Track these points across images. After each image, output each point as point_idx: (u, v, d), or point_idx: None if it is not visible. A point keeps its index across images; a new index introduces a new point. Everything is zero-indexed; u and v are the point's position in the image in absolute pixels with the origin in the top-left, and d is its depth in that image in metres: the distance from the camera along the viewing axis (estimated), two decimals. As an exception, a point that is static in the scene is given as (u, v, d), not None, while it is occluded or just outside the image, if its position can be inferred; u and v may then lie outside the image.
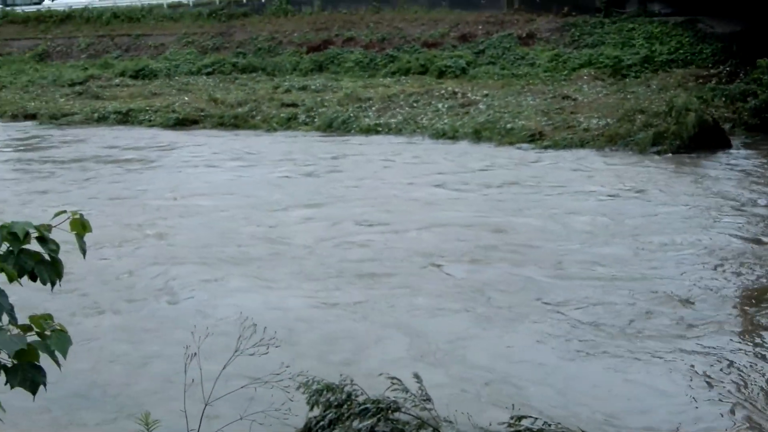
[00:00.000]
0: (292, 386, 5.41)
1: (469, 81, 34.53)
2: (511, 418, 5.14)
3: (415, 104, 29.04)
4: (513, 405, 5.40)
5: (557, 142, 22.24)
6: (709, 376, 8.38)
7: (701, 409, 7.76)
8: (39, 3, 59.57)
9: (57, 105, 35.52)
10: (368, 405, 5.15)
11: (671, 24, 35.74)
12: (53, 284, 2.75)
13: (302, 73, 40.54)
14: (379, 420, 5.02)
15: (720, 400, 7.92)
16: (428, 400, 5.17)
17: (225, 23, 48.29)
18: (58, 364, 2.63)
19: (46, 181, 21.33)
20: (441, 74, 36.65)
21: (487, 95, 29.42)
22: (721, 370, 8.53)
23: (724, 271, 11.73)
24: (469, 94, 29.64)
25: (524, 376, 8.58)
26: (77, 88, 40.03)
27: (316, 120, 28.18)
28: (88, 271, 11.53)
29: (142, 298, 11.48)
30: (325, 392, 5.44)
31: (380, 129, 26.25)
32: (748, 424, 7.44)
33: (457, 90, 30.46)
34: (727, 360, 8.72)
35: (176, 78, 41.98)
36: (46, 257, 2.73)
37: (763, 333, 9.49)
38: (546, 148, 22.02)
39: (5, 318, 2.57)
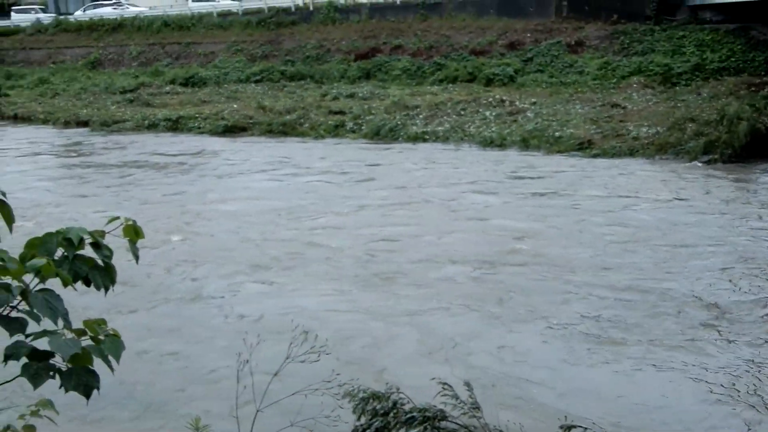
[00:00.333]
0: (339, 394, 5.41)
1: (517, 89, 34.40)
2: (561, 427, 5.09)
3: (462, 112, 28.98)
4: (565, 417, 5.32)
5: (606, 151, 22.07)
6: (725, 385, 8.30)
7: (714, 417, 7.72)
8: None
9: (108, 112, 36.02)
10: (415, 413, 5.13)
11: (722, 31, 35.29)
12: (106, 289, 2.79)
13: (350, 81, 40.67)
14: (425, 429, 4.99)
15: (734, 408, 7.84)
16: (477, 408, 5.13)
17: (274, 31, 48.63)
18: (112, 369, 2.66)
19: (84, 185, 21.70)
20: (489, 82, 36.57)
21: (535, 103, 29.28)
22: (738, 378, 8.44)
23: (751, 280, 11.57)
24: (517, 102, 29.51)
25: (531, 378, 8.62)
26: (128, 95, 40.57)
27: (363, 128, 28.24)
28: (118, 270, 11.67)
29: (169, 298, 11.64)
30: (371, 400, 5.43)
31: (427, 137, 26.24)
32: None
33: (504, 98, 30.34)
34: (746, 369, 8.64)
35: (225, 86, 42.36)
36: (100, 263, 2.77)
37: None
38: (595, 156, 21.87)
39: (60, 322, 2.61)
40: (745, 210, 15.78)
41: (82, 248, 2.72)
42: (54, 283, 2.64)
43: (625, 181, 18.79)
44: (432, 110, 29.46)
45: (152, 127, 32.31)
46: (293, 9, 49.97)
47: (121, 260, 3.18)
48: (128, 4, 62.22)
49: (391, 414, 5.23)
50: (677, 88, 31.37)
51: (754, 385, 8.25)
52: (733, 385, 8.24)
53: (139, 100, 38.99)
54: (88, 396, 2.63)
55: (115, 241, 2.91)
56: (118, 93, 41.71)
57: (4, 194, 2.51)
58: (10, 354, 2.58)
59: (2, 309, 2.57)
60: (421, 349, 9.50)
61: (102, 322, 2.72)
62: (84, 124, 34.62)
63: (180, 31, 52.44)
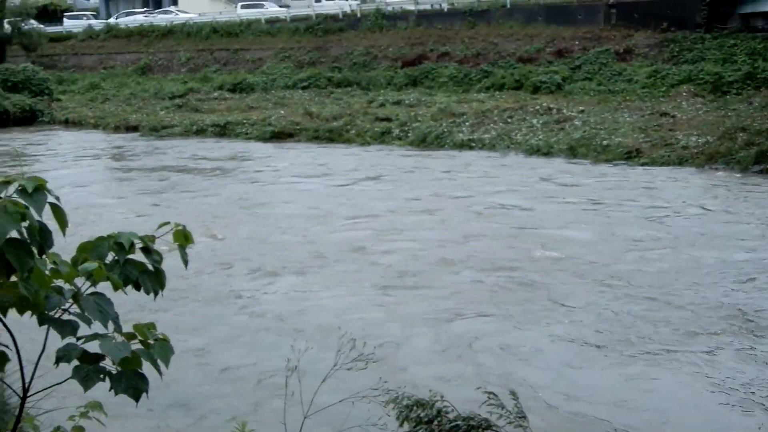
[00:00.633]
0: (384, 401, 5.40)
1: (564, 97, 34.25)
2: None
3: (509, 120, 28.89)
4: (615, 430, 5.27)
5: (655, 160, 21.85)
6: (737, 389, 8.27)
7: (730, 422, 7.69)
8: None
9: (157, 117, 36.47)
10: (459, 422, 5.09)
11: (775, 40, 34.85)
12: (156, 294, 2.81)
13: (396, 88, 40.78)
14: (470, 437, 4.96)
15: (751, 413, 7.78)
16: (524, 417, 5.09)
17: (321, 38, 48.90)
18: (160, 373, 2.68)
19: (126, 188, 22.14)
20: (536, 90, 36.44)
21: (582, 111, 29.11)
22: (750, 385, 8.38)
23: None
24: (564, 110, 29.36)
25: (538, 378, 8.67)
26: (177, 101, 41.07)
27: (409, 135, 28.26)
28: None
29: (195, 298, 11.77)
30: (414, 408, 5.41)
31: (473, 144, 26.18)
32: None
33: (552, 106, 30.21)
34: (757, 376, 8.58)
35: (273, 92, 42.69)
36: (150, 267, 2.79)
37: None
38: (643, 165, 21.66)
39: (111, 325, 2.64)
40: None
41: (133, 252, 2.74)
42: (104, 287, 2.67)
43: (670, 190, 18.60)
44: (478, 118, 29.42)
45: (200, 132, 32.65)
46: (341, 16, 50.22)
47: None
48: (178, 11, 62.96)
49: (435, 422, 5.21)
50: (728, 97, 30.99)
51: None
52: (751, 392, 8.17)
53: (187, 106, 39.44)
54: (137, 399, 2.66)
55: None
56: (167, 98, 42.26)
57: (57, 199, 2.54)
58: (62, 356, 2.61)
59: (54, 312, 2.61)
60: (441, 351, 9.56)
61: (151, 326, 2.74)
62: (133, 129, 35.08)
63: (228, 38, 52.95)
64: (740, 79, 32.55)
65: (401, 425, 5.33)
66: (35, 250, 2.47)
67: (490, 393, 5.13)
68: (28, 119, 40.07)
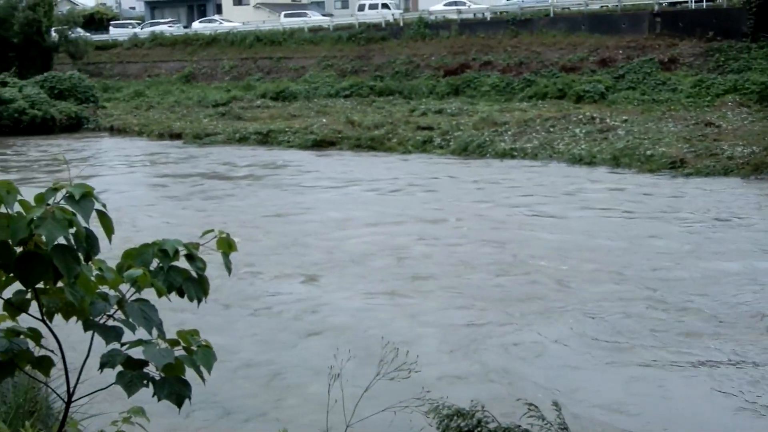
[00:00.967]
0: (423, 408, 5.39)
1: (607, 106, 34.04)
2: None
3: (551, 129, 28.73)
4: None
5: (699, 170, 21.57)
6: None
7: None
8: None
9: (201, 125, 36.73)
10: (499, 433, 5.07)
11: (824, 49, 34.35)
12: (199, 300, 2.82)
13: (438, 97, 40.76)
14: (510, 449, 4.93)
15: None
16: (565, 429, 5.04)
17: (364, 47, 49.03)
18: (203, 379, 2.70)
19: (154, 192, 22.63)
20: (579, 99, 36.23)
21: (626, 121, 28.87)
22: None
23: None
24: (607, 120, 29.15)
25: (545, 378, 8.76)
26: (220, 109, 41.35)
27: (451, 143, 28.20)
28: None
29: (216, 299, 11.91)
30: (455, 417, 5.38)
31: (515, 153, 26.06)
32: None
33: (595, 115, 30.01)
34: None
35: (315, 100, 42.85)
36: (194, 274, 2.81)
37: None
38: (687, 175, 21.40)
39: (154, 332, 2.65)
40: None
41: (177, 260, 2.76)
42: (148, 293, 2.69)
43: (714, 201, 18.38)
44: (521, 127, 29.30)
45: (243, 140, 32.82)
46: (384, 25, 50.32)
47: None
48: (222, 20, 63.54)
49: (476, 432, 5.18)
50: (774, 106, 30.58)
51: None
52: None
53: (230, 114, 39.67)
54: (180, 405, 2.67)
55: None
56: (210, 106, 42.59)
57: (104, 206, 2.57)
58: (106, 362, 2.63)
59: (99, 317, 2.63)
60: (420, 339, 9.72)
61: (195, 333, 2.75)
62: (177, 136, 35.37)
63: (272, 46, 53.26)
64: (787, 88, 32.13)
65: (441, 435, 5.31)
66: (82, 257, 2.49)
67: (530, 404, 5.10)
68: (73, 126, 40.59)
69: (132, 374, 2.63)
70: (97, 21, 71.68)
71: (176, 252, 2.74)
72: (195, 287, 2.79)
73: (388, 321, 10.74)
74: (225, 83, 50.44)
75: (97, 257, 2.58)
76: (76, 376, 2.77)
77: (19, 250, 2.43)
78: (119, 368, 2.65)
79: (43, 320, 2.64)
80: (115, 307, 2.65)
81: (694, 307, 10.94)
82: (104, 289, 2.64)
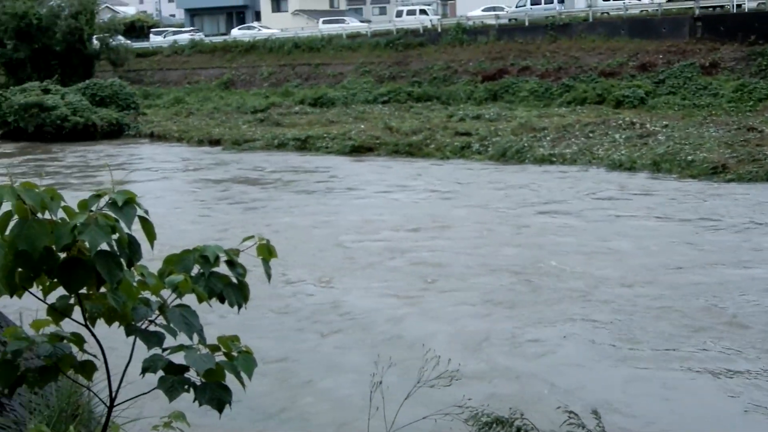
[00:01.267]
0: (464, 417, 5.38)
1: (647, 111, 33.73)
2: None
3: (590, 134, 28.53)
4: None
5: (741, 176, 21.30)
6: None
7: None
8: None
9: (240, 131, 36.91)
10: (539, 441, 5.04)
11: None
12: (239, 306, 2.83)
13: (476, 102, 40.65)
14: (550, 456, 4.90)
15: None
16: (605, 438, 5.00)
17: (401, 53, 49.02)
18: (243, 385, 2.71)
19: (183, 196, 23.03)
20: (618, 104, 35.95)
21: (666, 126, 28.59)
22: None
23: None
24: (647, 125, 28.89)
25: (551, 378, 8.87)
26: (259, 115, 41.51)
27: (489, 149, 28.11)
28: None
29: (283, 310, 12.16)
30: (494, 425, 5.36)
31: (554, 159, 25.91)
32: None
33: (635, 120, 29.77)
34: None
35: (353, 106, 42.87)
36: (234, 280, 2.82)
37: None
38: (729, 181, 21.13)
39: (195, 337, 2.67)
40: None
41: (218, 265, 2.78)
42: (189, 299, 2.71)
43: (755, 207, 18.17)
44: (559, 132, 29.13)
45: (281, 146, 32.93)
46: (421, 30, 50.28)
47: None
48: (261, 27, 63.93)
49: (515, 440, 5.15)
50: (818, 111, 30.14)
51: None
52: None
53: (269, 120, 39.82)
54: (220, 410, 2.68)
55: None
56: (249, 113, 42.75)
57: (146, 212, 2.59)
58: (148, 366, 2.66)
59: (141, 323, 2.66)
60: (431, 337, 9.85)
61: (235, 339, 2.77)
62: (216, 142, 35.59)
63: (310, 53, 53.42)
64: (831, 93, 31.68)
65: (481, 443, 5.29)
66: (124, 263, 2.52)
67: (571, 412, 5.06)
68: (114, 132, 41.00)
69: (173, 379, 2.66)
70: (137, 28, 72.48)
71: (217, 258, 2.76)
72: (235, 293, 2.81)
73: (418, 324, 10.98)
74: (263, 90, 50.68)
75: (138, 263, 2.61)
76: (118, 381, 2.80)
77: (62, 255, 2.46)
78: (161, 373, 2.67)
79: (86, 325, 2.67)
80: (157, 312, 2.68)
81: (717, 312, 11.03)
82: (146, 294, 2.67)
